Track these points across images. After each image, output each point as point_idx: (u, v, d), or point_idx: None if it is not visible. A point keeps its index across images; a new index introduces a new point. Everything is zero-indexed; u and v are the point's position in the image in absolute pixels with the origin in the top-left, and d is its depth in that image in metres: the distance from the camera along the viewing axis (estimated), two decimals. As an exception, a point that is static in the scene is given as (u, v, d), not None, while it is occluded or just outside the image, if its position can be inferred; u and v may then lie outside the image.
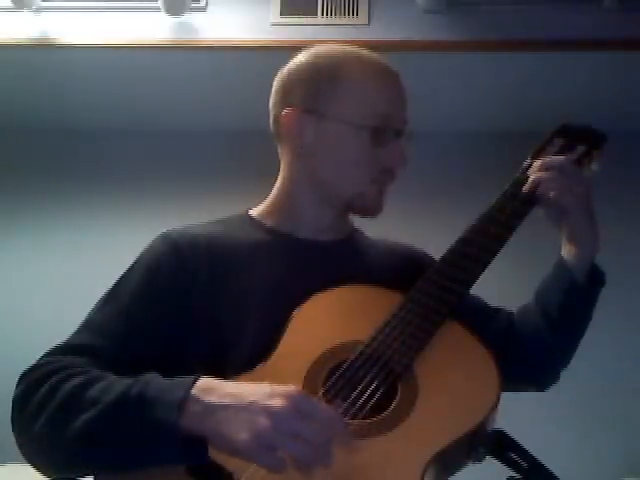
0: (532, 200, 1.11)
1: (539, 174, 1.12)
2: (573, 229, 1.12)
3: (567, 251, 1.14)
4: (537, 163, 1.14)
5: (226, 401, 0.84)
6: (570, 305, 1.13)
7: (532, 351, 1.18)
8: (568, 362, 1.21)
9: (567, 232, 1.14)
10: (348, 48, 1.20)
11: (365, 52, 1.20)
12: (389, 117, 1.14)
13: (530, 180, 1.12)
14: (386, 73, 1.17)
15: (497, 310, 1.25)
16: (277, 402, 0.82)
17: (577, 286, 1.12)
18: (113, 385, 0.91)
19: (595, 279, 1.14)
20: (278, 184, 1.22)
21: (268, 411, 0.81)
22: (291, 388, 0.84)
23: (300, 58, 1.19)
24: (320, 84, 1.15)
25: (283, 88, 1.19)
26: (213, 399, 0.85)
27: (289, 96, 1.17)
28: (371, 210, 1.18)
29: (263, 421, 0.81)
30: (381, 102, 1.14)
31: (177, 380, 0.89)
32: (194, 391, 0.86)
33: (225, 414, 0.83)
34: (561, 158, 1.14)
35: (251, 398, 0.83)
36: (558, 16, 2.52)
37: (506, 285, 2.37)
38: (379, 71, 1.17)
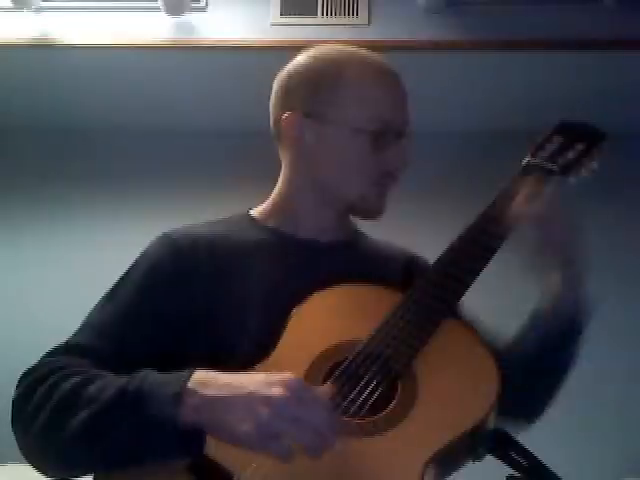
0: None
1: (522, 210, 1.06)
2: (551, 279, 1.07)
3: (546, 293, 1.09)
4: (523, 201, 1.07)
5: (224, 392, 0.85)
6: (544, 351, 1.09)
7: (506, 385, 1.14)
8: (541, 407, 1.16)
9: (545, 280, 1.08)
10: (349, 49, 1.19)
11: (366, 53, 1.19)
12: (389, 120, 1.14)
13: (512, 218, 1.07)
14: (387, 75, 1.16)
15: (495, 335, 1.21)
16: (275, 390, 0.82)
17: (551, 333, 1.08)
18: (110, 383, 0.91)
19: (574, 325, 1.10)
20: (279, 185, 1.22)
21: (267, 399, 0.81)
22: (287, 375, 0.85)
23: (300, 60, 1.18)
24: (320, 87, 1.14)
25: (283, 90, 1.18)
26: (210, 391, 0.85)
27: (289, 98, 1.17)
28: (373, 212, 1.18)
29: (263, 410, 0.81)
30: (381, 106, 1.13)
31: (173, 374, 0.89)
32: (190, 384, 0.86)
33: (224, 406, 0.83)
34: (547, 200, 1.08)
35: (249, 388, 0.84)
36: (558, 16, 2.52)
37: (515, 289, 2.37)
38: (380, 74, 1.16)
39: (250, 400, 0.82)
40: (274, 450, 0.81)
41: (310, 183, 1.17)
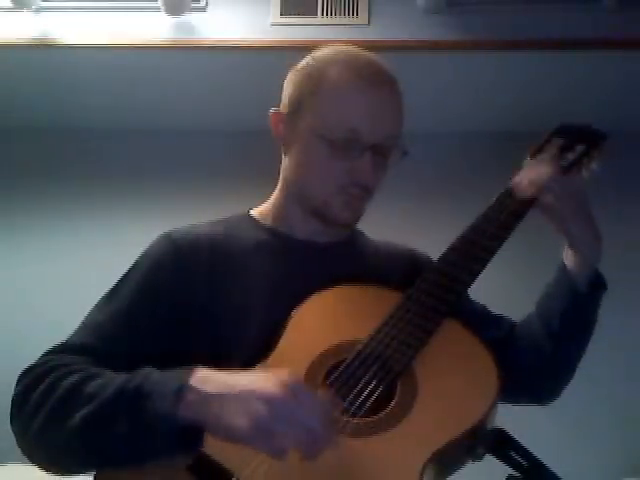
0: (526, 204, 1.11)
1: (530, 180, 1.11)
2: (570, 236, 1.11)
3: (568, 257, 1.14)
4: (527, 171, 1.13)
5: (222, 390, 0.85)
6: (571, 313, 1.13)
7: (530, 361, 1.17)
8: (570, 376, 1.19)
9: (566, 238, 1.13)
10: (346, 52, 1.16)
11: (359, 58, 1.14)
12: (359, 131, 1.09)
13: (523, 188, 1.12)
14: (370, 84, 1.10)
15: (499, 318, 1.24)
16: (273, 388, 0.83)
17: (578, 293, 1.12)
18: (111, 381, 0.91)
19: (596, 285, 1.13)
20: (278, 184, 1.22)
21: (264, 397, 0.82)
22: (285, 374, 0.85)
23: (304, 59, 1.19)
24: (303, 90, 1.14)
25: (282, 88, 1.20)
26: (209, 388, 0.85)
27: (283, 96, 1.19)
28: (336, 220, 1.14)
29: (260, 407, 0.81)
30: (352, 115, 1.09)
31: (173, 372, 0.89)
32: (190, 381, 0.86)
33: (222, 402, 0.84)
34: (549, 167, 1.13)
35: (247, 386, 0.84)
36: (558, 16, 2.51)
37: (513, 290, 2.38)
38: (361, 81, 1.10)
39: (247, 397, 0.83)
40: (268, 448, 0.81)
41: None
